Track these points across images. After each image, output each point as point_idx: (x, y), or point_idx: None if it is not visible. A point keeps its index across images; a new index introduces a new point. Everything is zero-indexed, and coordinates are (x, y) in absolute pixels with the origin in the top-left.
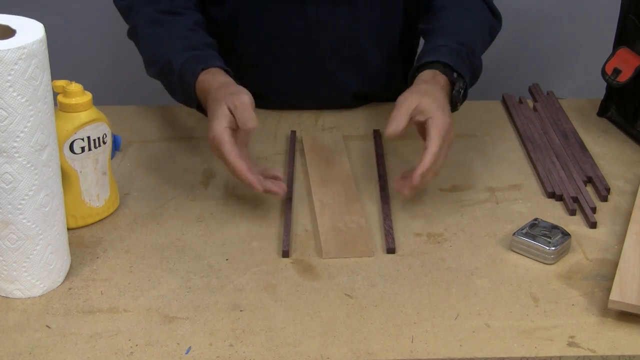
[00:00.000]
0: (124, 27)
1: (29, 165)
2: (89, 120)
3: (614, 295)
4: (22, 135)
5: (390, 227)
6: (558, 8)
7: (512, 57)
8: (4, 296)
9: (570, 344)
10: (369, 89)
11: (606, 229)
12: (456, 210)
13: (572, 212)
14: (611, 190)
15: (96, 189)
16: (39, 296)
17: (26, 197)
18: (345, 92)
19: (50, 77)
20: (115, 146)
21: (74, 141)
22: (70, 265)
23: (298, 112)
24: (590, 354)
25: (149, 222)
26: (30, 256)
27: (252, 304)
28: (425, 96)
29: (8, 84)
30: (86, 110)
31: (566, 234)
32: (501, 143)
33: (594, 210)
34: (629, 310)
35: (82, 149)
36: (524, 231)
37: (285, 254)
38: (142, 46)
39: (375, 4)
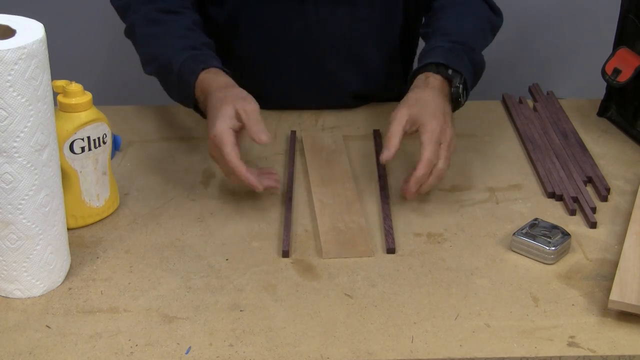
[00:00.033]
0: (123, 27)
1: (29, 165)
2: (89, 120)
3: (614, 295)
4: (22, 135)
5: (390, 227)
6: (558, 8)
7: (512, 57)
8: (4, 296)
9: (570, 344)
10: (369, 89)
11: (606, 229)
12: (456, 210)
13: (572, 212)
14: (611, 190)
15: (96, 189)
16: (39, 296)
17: (26, 197)
18: (345, 92)
19: (50, 77)
20: (115, 146)
21: (74, 141)
22: (70, 265)
23: (298, 112)
24: (590, 354)
25: (149, 222)
26: (30, 256)
27: (252, 304)
28: (413, 106)
29: (8, 84)
30: (86, 110)
31: (566, 234)
32: (501, 143)
33: (594, 210)
34: (629, 310)
35: (82, 149)
36: (524, 231)
37: (285, 254)
38: (139, 44)
39: (375, 4)
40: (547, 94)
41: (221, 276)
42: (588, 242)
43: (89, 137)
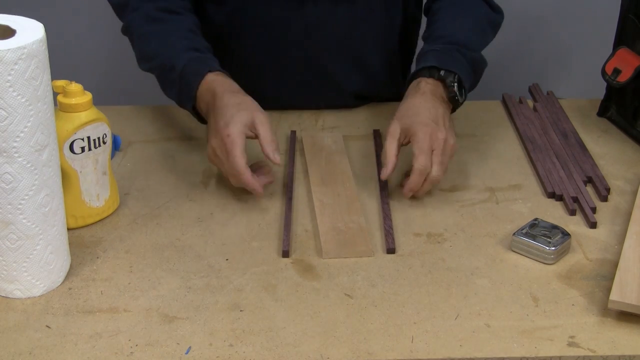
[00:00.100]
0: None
1: (29, 165)
2: (89, 120)
3: (614, 295)
4: (22, 135)
5: (390, 227)
6: (558, 8)
7: (512, 57)
8: (4, 296)
9: (570, 344)
10: (369, 89)
11: (606, 229)
12: (456, 210)
13: (572, 212)
14: (611, 190)
15: (96, 189)
16: (39, 296)
17: (26, 197)
18: (345, 92)
19: (50, 77)
20: (115, 146)
21: (74, 141)
22: (70, 265)
23: (298, 112)
24: (590, 354)
25: (149, 222)
26: (30, 256)
27: (252, 304)
28: (404, 117)
29: (8, 84)
30: (86, 110)
31: (566, 234)
32: (501, 143)
33: (594, 210)
34: (629, 310)
35: (82, 149)
36: (524, 231)
37: (285, 254)
38: (139, 42)
39: (375, 4)
40: (547, 94)
41: (221, 276)
42: (588, 242)
43: (89, 137)
